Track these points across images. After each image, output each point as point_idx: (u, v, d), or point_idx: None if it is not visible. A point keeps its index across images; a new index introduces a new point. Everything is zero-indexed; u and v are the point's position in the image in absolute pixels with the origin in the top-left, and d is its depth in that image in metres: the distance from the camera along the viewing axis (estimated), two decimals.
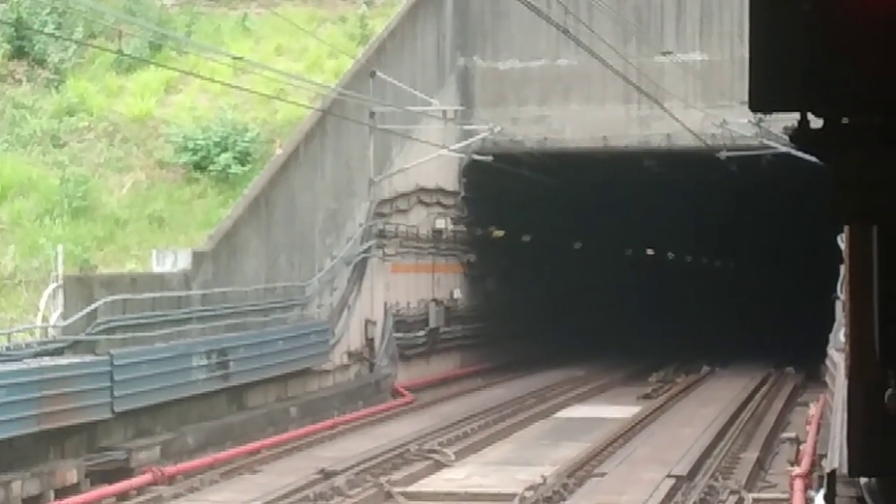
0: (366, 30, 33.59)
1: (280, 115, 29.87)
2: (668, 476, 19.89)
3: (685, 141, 33.53)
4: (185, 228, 26.72)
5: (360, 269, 30.14)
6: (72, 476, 19.05)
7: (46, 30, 30.57)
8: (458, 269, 37.05)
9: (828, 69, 5.31)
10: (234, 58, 23.57)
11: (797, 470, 18.91)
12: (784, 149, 28.67)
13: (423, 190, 33.71)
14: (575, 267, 47.02)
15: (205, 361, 23.18)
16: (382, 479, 19.93)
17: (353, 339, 29.99)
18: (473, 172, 35.49)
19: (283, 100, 27.07)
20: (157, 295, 22.59)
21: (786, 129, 5.92)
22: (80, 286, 21.14)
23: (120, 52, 23.47)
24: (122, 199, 27.50)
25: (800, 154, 19.38)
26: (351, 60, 30.40)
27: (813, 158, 6.13)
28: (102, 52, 28.90)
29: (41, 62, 31.54)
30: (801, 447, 21.85)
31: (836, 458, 11.97)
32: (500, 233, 38.46)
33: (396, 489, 19.58)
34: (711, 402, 30.94)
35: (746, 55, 5.43)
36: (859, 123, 5.62)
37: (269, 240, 26.69)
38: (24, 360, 19.09)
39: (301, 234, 27.96)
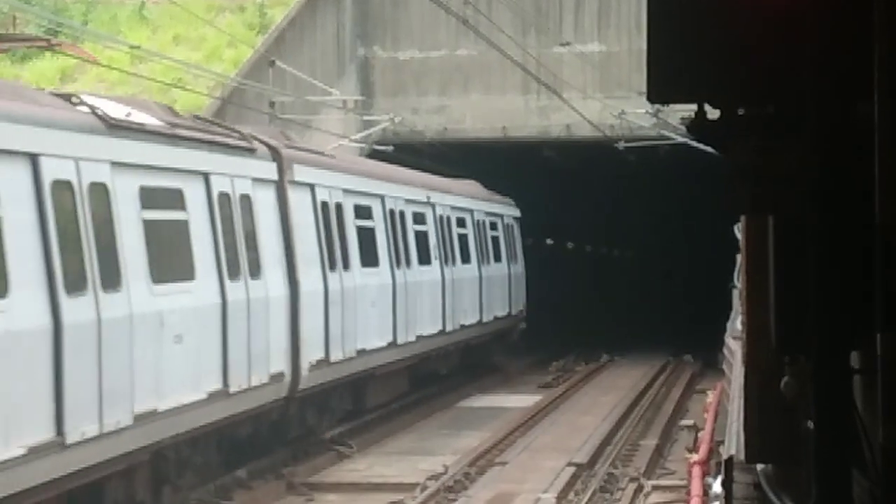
0: (265, 19, 33.40)
1: (179, 105, 29.55)
2: (569, 464, 20.04)
3: (584, 131, 33.71)
4: None
5: None
6: None
7: None
8: None
9: (723, 61, 5.39)
10: (132, 47, 23.32)
11: (695, 457, 19.10)
12: (681, 139, 28.96)
13: None
14: None
15: None
16: (284, 471, 19.86)
17: None
18: None
19: (182, 88, 26.84)
20: None
21: (683, 119, 5.99)
22: None
23: None
24: None
25: (697, 144, 19.59)
26: (250, 50, 30.22)
27: (710, 149, 6.21)
28: None
29: None
30: (699, 434, 22.09)
31: (734, 444, 12.13)
32: None
33: (298, 480, 19.53)
34: (611, 390, 31.18)
35: (644, 47, 5.49)
36: (754, 114, 5.71)
37: None
38: None
39: None
